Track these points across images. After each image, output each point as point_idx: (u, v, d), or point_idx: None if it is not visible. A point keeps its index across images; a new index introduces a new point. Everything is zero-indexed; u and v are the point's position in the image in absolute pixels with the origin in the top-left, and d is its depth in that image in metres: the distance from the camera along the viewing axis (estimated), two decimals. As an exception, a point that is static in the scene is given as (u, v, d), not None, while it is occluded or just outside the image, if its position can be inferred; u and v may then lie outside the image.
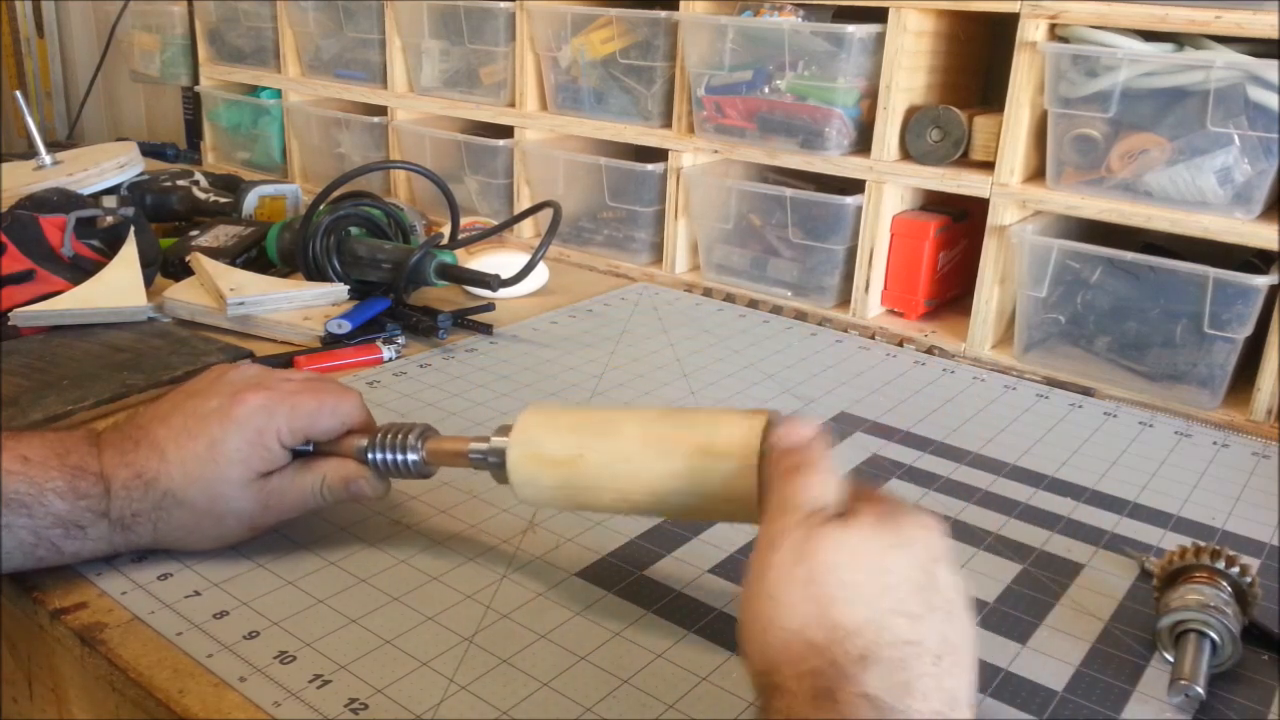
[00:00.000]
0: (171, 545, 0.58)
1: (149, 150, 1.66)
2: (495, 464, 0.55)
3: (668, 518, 0.62)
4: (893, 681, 0.36)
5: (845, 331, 1.03)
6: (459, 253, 1.05)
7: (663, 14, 1.13)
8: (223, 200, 1.22)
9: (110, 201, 1.05)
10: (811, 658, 0.37)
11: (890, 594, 0.39)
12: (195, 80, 1.73)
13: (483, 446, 0.56)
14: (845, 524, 0.41)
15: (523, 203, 1.31)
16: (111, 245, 0.98)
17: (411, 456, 0.58)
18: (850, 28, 1.00)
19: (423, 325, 0.94)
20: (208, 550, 0.59)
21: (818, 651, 0.37)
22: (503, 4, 1.25)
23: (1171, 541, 0.64)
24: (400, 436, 0.58)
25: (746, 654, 0.41)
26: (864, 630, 0.38)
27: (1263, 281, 0.82)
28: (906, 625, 0.38)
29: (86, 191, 1.15)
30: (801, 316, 1.07)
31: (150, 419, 0.57)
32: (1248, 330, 0.85)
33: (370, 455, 0.58)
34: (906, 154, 1.04)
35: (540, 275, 1.09)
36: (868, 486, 0.45)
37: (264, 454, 0.56)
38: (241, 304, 0.92)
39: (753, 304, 1.11)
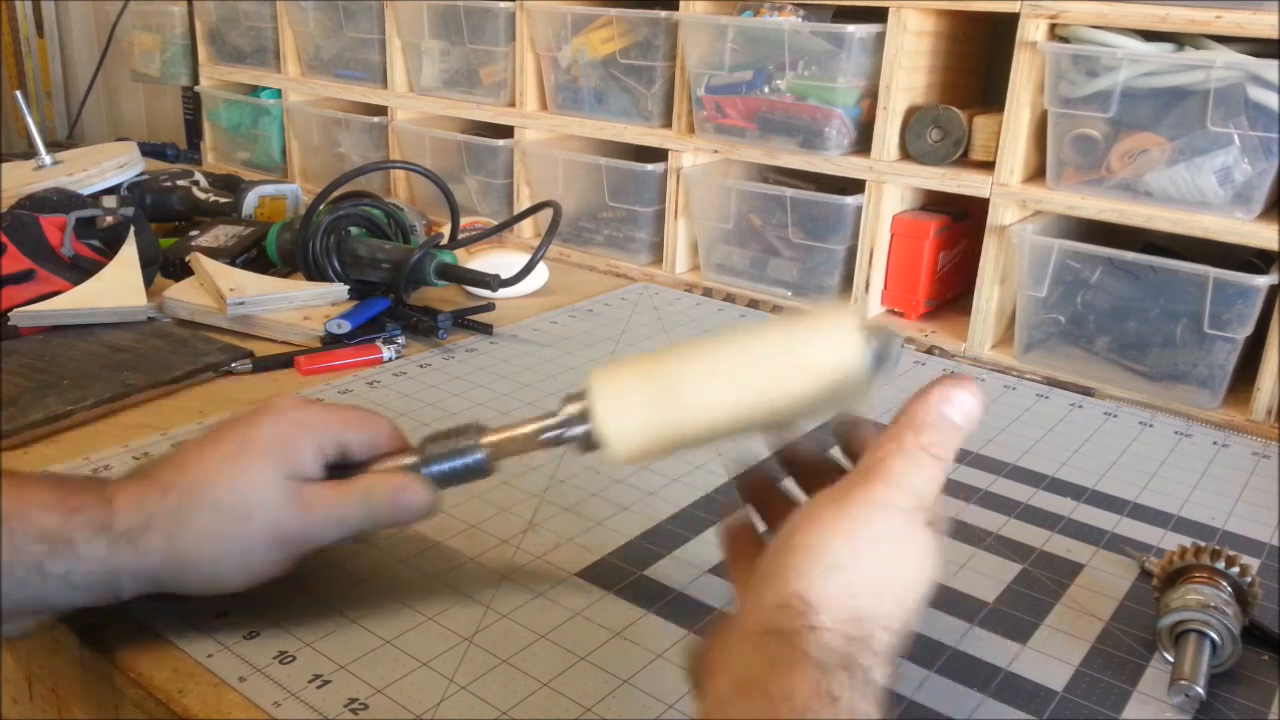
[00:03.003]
0: (186, 564, 0.49)
1: (149, 150, 1.66)
2: (578, 433, 0.50)
3: (777, 424, 0.51)
4: (885, 681, 0.38)
5: (845, 331, 1.02)
6: (459, 253, 1.05)
7: (663, 14, 1.13)
8: (223, 200, 1.22)
9: (110, 201, 1.05)
10: (854, 626, 0.38)
11: (913, 608, 0.40)
12: (195, 80, 1.73)
13: (557, 420, 0.51)
14: (930, 534, 0.41)
15: (523, 203, 1.31)
16: (111, 245, 0.98)
17: (475, 457, 0.53)
18: (850, 28, 1.00)
19: (423, 325, 0.94)
20: (226, 578, 0.50)
21: (860, 624, 0.38)
22: (503, 4, 1.25)
23: (1171, 541, 0.64)
24: (453, 440, 0.53)
25: (785, 566, 0.39)
26: (893, 630, 0.39)
27: (1263, 281, 0.82)
28: (900, 642, 0.40)
29: (86, 191, 1.15)
30: (801, 316, 1.07)
31: (168, 453, 0.53)
32: (1248, 330, 0.85)
33: (425, 470, 0.53)
34: (906, 154, 1.04)
35: (540, 275, 1.09)
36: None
37: (295, 453, 0.51)
38: (241, 304, 0.92)
39: (753, 304, 1.11)
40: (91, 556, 0.47)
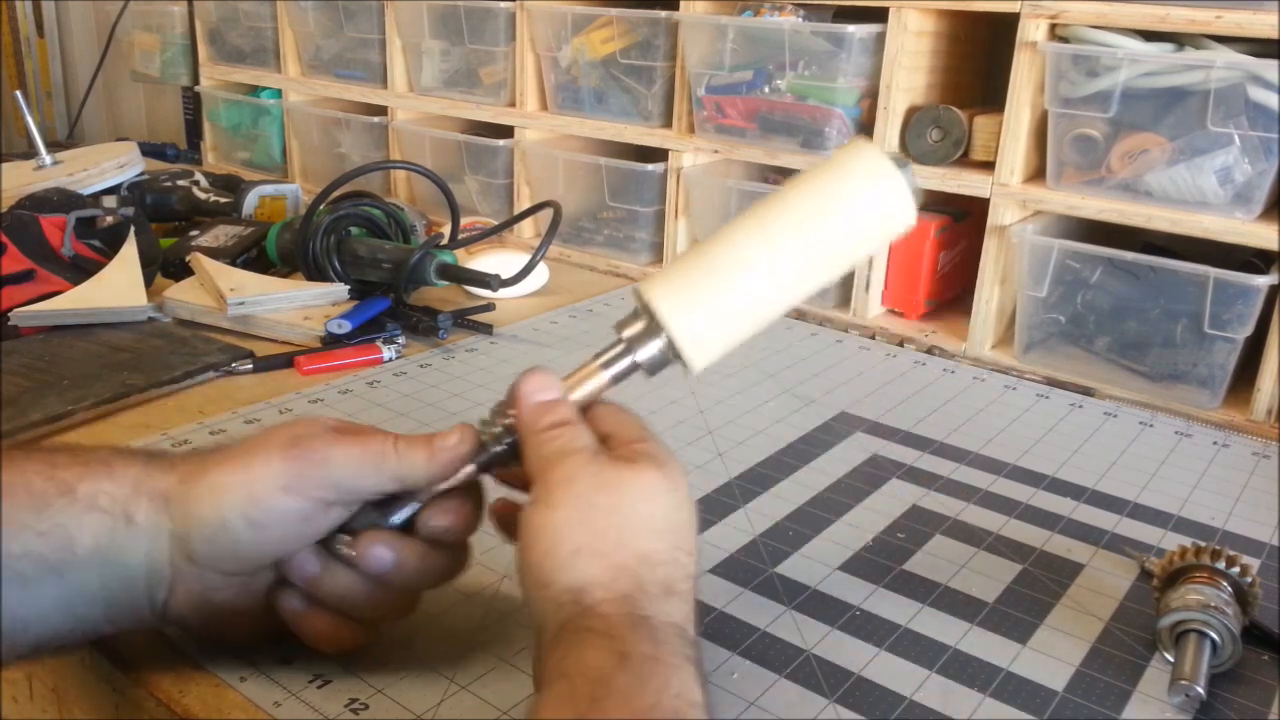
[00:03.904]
0: (205, 479, 0.46)
1: (149, 150, 1.66)
2: (654, 353, 0.46)
3: (836, 277, 0.50)
4: (685, 611, 0.42)
5: (845, 331, 1.03)
6: (459, 253, 1.05)
7: (663, 14, 1.13)
8: (223, 200, 1.22)
9: (110, 201, 1.05)
10: (623, 580, 0.41)
11: (678, 533, 0.44)
12: (195, 80, 1.73)
13: (622, 348, 0.47)
14: (633, 466, 0.44)
15: (523, 203, 1.31)
16: (111, 245, 0.98)
17: None
18: (850, 28, 1.00)
19: (423, 325, 0.94)
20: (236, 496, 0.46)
21: (628, 574, 0.41)
22: (503, 4, 1.25)
23: (1171, 541, 0.64)
24: (495, 416, 0.48)
25: (543, 577, 0.42)
26: (665, 564, 0.42)
27: (1263, 281, 0.82)
28: (688, 562, 0.44)
29: (86, 191, 1.16)
30: (801, 316, 1.07)
31: None
32: (1248, 330, 0.85)
33: (494, 447, 0.48)
34: (907, 154, 1.04)
35: (540, 275, 1.09)
36: (626, 427, 0.47)
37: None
38: (241, 304, 0.92)
39: (753, 304, 1.10)
40: (123, 476, 0.46)
